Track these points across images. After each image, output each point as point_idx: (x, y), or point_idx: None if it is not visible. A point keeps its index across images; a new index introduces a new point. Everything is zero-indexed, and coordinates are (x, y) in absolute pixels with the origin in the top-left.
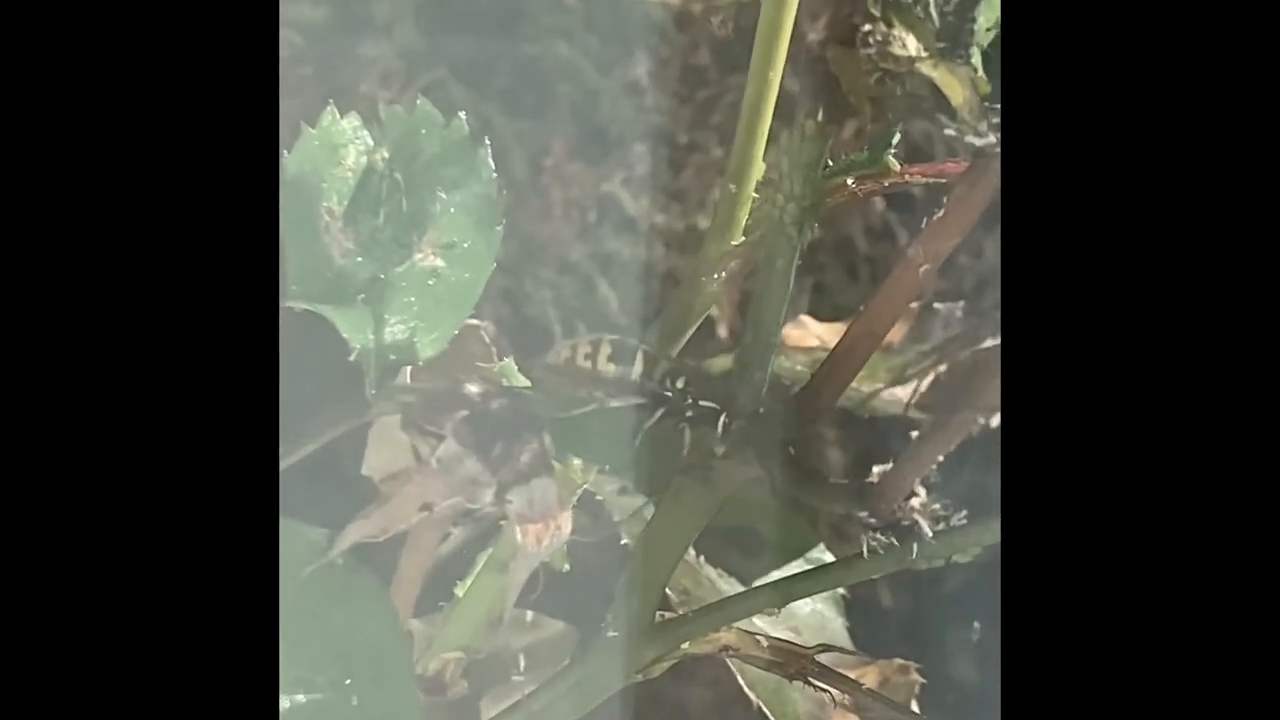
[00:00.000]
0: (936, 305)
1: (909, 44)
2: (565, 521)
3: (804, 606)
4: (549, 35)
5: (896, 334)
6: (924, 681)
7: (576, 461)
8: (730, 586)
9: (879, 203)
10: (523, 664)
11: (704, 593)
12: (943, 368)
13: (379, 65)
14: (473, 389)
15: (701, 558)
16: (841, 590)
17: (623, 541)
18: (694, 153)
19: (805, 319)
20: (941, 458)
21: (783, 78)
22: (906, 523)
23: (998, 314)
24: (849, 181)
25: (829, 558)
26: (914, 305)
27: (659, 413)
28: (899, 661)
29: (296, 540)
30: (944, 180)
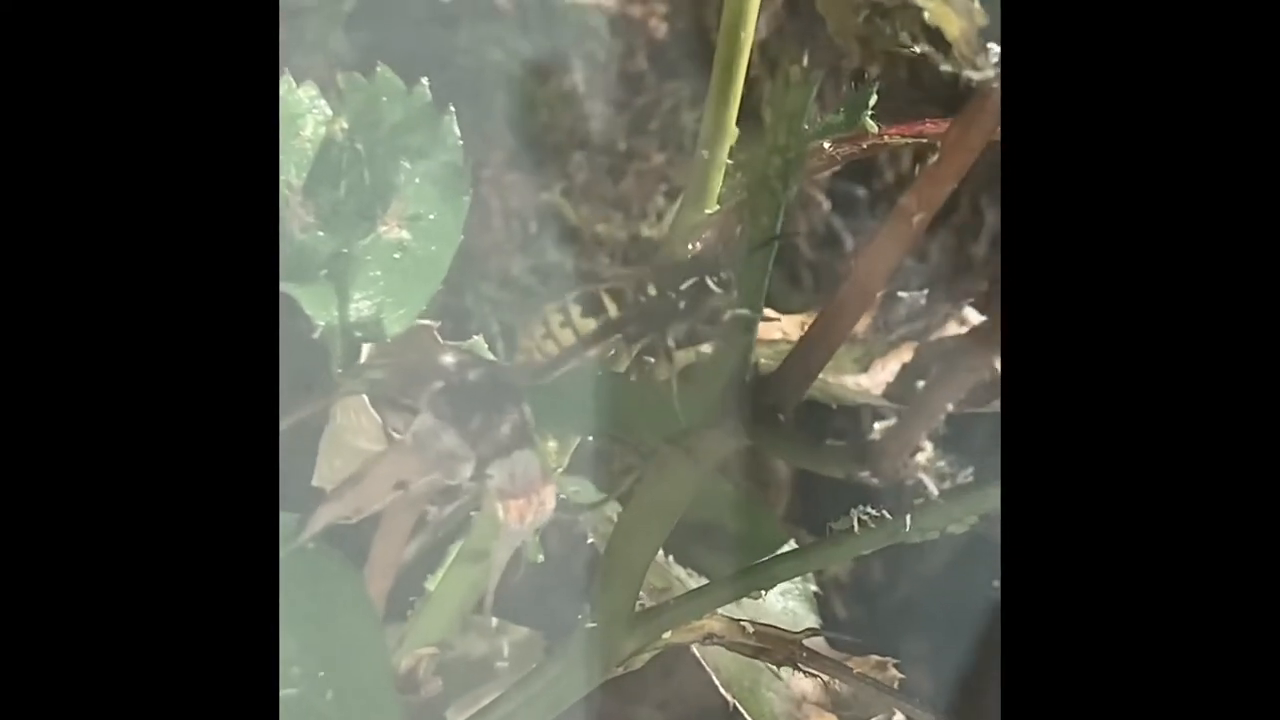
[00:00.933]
0: (900, 294)
1: None
2: (549, 496)
3: (776, 604)
4: (483, 44)
5: (861, 323)
6: (903, 677)
7: (552, 444)
8: (698, 583)
9: (825, 204)
10: (506, 652)
11: (675, 592)
12: (908, 356)
13: (310, 76)
14: (448, 359)
15: (670, 557)
16: (814, 588)
17: (589, 540)
18: (634, 160)
19: (768, 310)
20: (951, 407)
21: (762, 25)
22: (911, 481)
23: (965, 300)
24: (826, 145)
25: None
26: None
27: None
28: (875, 658)
29: None
30: (924, 140)
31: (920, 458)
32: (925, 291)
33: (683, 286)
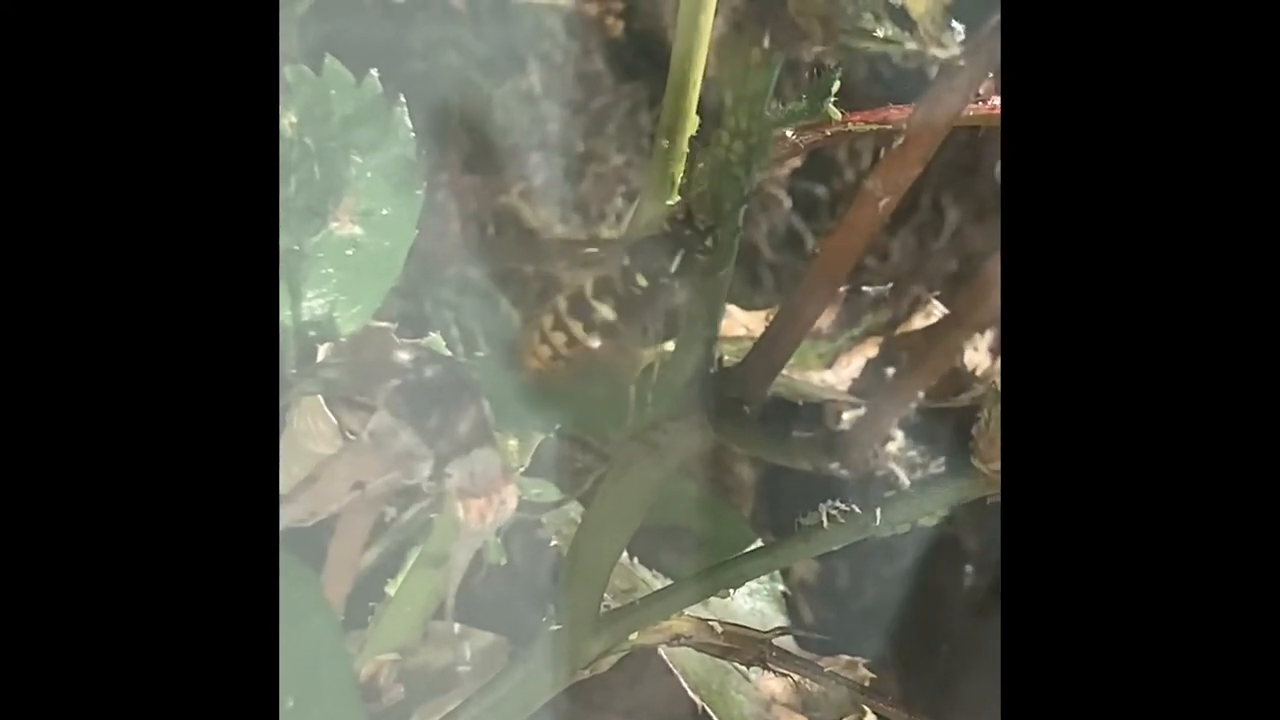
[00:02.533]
0: (865, 288)
1: None
2: (510, 495)
3: (744, 604)
4: (437, 45)
5: (825, 319)
6: (874, 676)
7: (512, 443)
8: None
9: (785, 202)
10: (468, 657)
11: (641, 594)
12: (874, 351)
13: None
14: (404, 356)
15: (635, 559)
16: (782, 587)
17: (552, 543)
18: (592, 161)
19: (730, 308)
20: (922, 394)
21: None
22: (881, 472)
23: (931, 294)
24: (789, 133)
25: None
26: (841, 290)
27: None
28: (846, 658)
29: None
30: (888, 127)
31: (891, 447)
32: (889, 286)
33: (672, 268)
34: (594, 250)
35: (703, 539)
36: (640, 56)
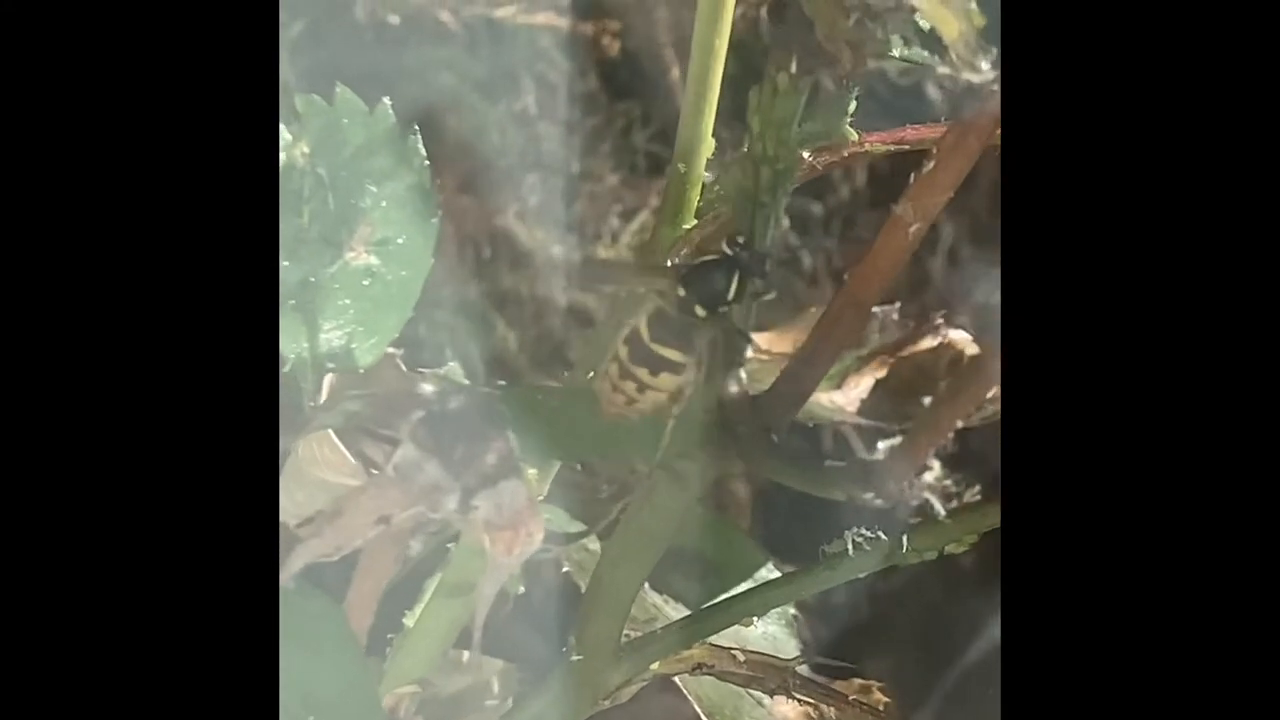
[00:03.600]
0: (873, 309)
1: None
2: (538, 527)
3: (754, 629)
4: (431, 67)
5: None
6: (888, 700)
7: (532, 472)
8: (678, 612)
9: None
10: (496, 689)
11: (653, 620)
12: (882, 373)
13: None
14: (428, 388)
15: (645, 584)
16: (793, 611)
17: (563, 569)
18: (587, 181)
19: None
20: (960, 424)
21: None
22: (916, 502)
23: (937, 314)
24: (806, 155)
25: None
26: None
27: None
28: (859, 681)
29: None
30: (906, 147)
31: (928, 477)
32: (896, 305)
33: (730, 294)
34: (648, 278)
35: (712, 562)
36: (635, 76)
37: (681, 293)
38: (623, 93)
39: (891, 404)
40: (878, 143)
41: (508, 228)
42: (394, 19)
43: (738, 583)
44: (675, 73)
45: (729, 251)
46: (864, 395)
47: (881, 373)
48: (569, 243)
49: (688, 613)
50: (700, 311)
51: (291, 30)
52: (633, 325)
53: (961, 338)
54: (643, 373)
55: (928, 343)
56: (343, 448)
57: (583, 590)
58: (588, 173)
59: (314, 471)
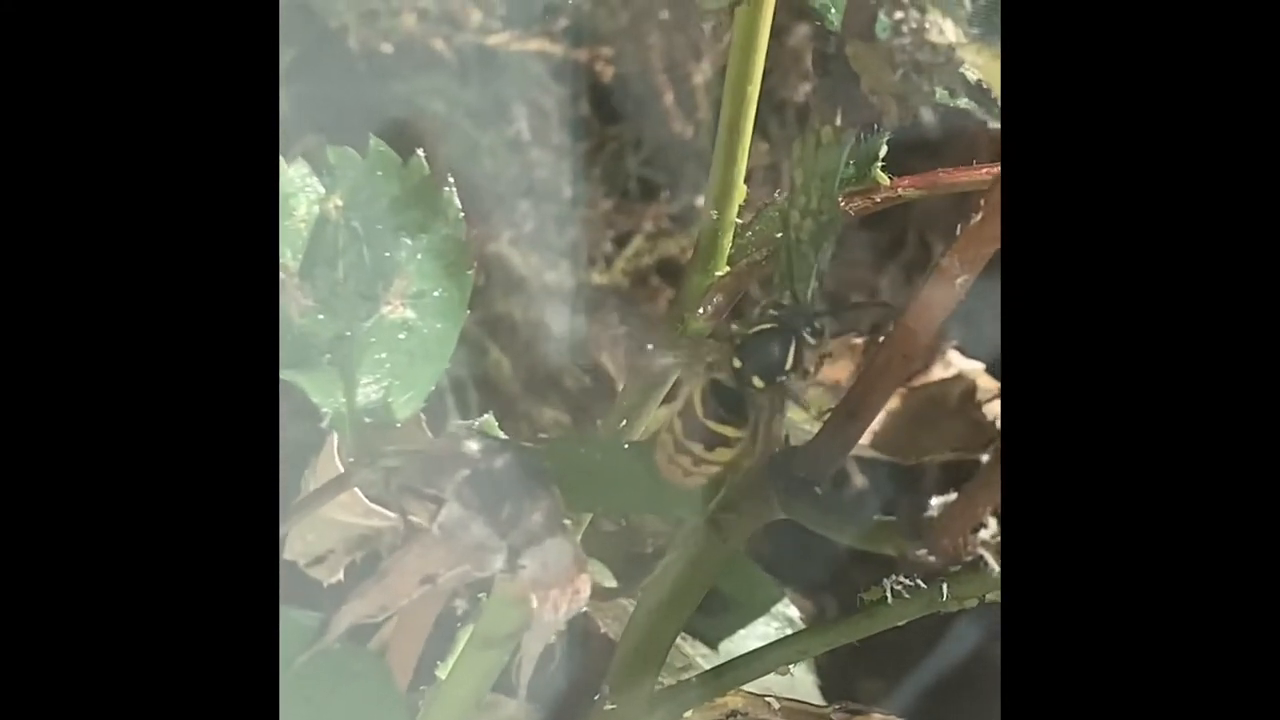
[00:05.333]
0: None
1: (947, 30)
2: (584, 585)
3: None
4: (423, 94)
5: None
6: None
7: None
8: (695, 649)
9: None
10: None
11: (670, 658)
12: (895, 404)
13: None
14: (473, 445)
15: None
16: None
17: (601, 630)
18: (580, 207)
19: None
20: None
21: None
22: (969, 558)
23: (949, 345)
24: (839, 200)
25: (793, 612)
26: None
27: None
28: (878, 715)
29: (287, 626)
30: (938, 192)
31: (984, 534)
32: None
33: (787, 364)
34: (705, 349)
35: (731, 600)
36: (627, 101)
37: (738, 364)
38: (615, 118)
39: (906, 436)
40: (911, 187)
41: (501, 254)
42: (387, 47)
43: (754, 618)
44: (669, 98)
45: (779, 316)
46: (877, 428)
47: (895, 404)
48: (563, 268)
49: (705, 650)
50: (758, 383)
51: (284, 58)
52: (687, 396)
53: (973, 368)
54: (697, 448)
55: (939, 373)
56: (358, 490)
57: (614, 639)
58: (581, 198)
59: (325, 511)
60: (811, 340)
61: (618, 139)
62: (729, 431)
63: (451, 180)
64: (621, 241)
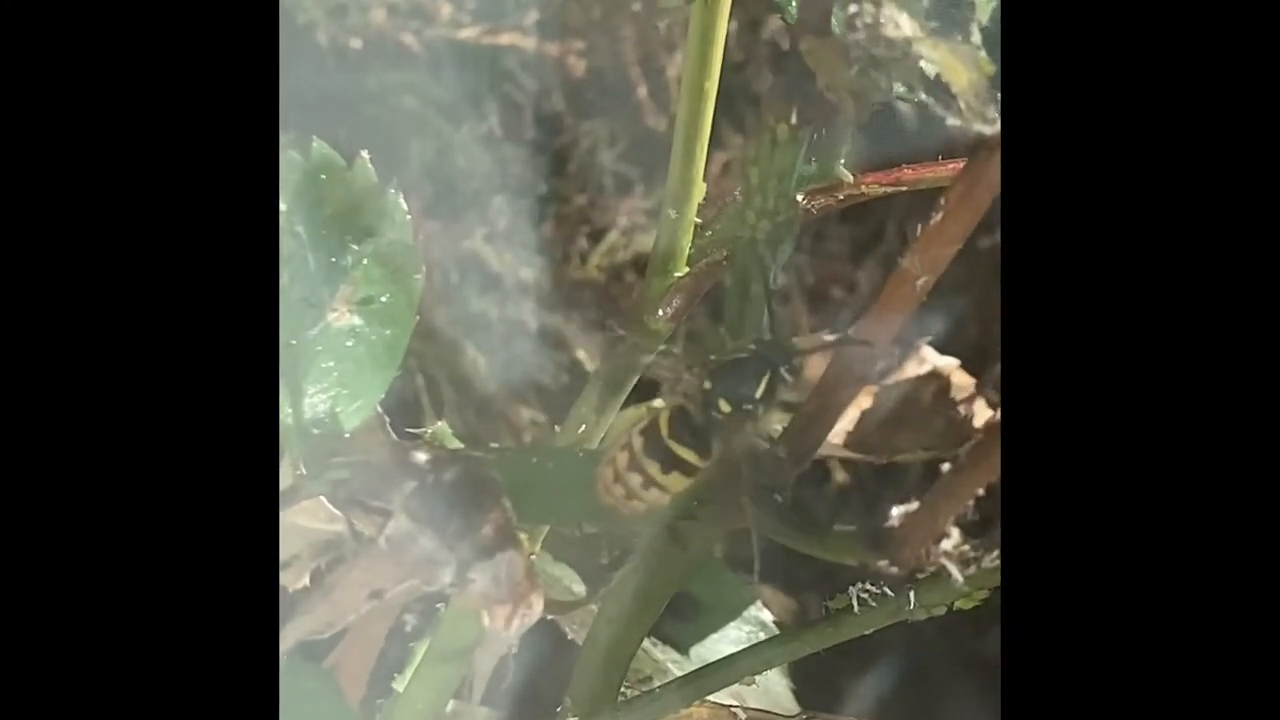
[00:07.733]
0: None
1: (903, 24)
2: (537, 599)
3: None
4: (394, 90)
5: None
6: None
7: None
8: (666, 655)
9: None
10: None
11: (640, 664)
12: (868, 403)
13: None
14: (421, 457)
15: None
16: None
17: (567, 636)
18: (554, 203)
19: None
20: (981, 492)
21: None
22: (932, 568)
23: (923, 340)
24: (799, 198)
25: (767, 615)
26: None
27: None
28: None
29: None
30: (903, 188)
31: (946, 544)
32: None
33: (757, 394)
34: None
35: (703, 604)
36: (601, 95)
37: (708, 385)
38: (589, 112)
39: (879, 435)
40: (874, 184)
41: (476, 251)
42: (356, 43)
43: (726, 622)
44: (642, 91)
45: (753, 349)
46: (850, 428)
47: (867, 403)
48: (538, 265)
49: (676, 655)
50: (725, 407)
51: None
52: (652, 416)
53: (948, 364)
54: (654, 468)
55: (913, 369)
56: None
57: (578, 646)
58: (555, 194)
59: (289, 517)
60: (788, 377)
61: (591, 134)
62: (690, 457)
63: (396, 182)
64: (597, 237)
